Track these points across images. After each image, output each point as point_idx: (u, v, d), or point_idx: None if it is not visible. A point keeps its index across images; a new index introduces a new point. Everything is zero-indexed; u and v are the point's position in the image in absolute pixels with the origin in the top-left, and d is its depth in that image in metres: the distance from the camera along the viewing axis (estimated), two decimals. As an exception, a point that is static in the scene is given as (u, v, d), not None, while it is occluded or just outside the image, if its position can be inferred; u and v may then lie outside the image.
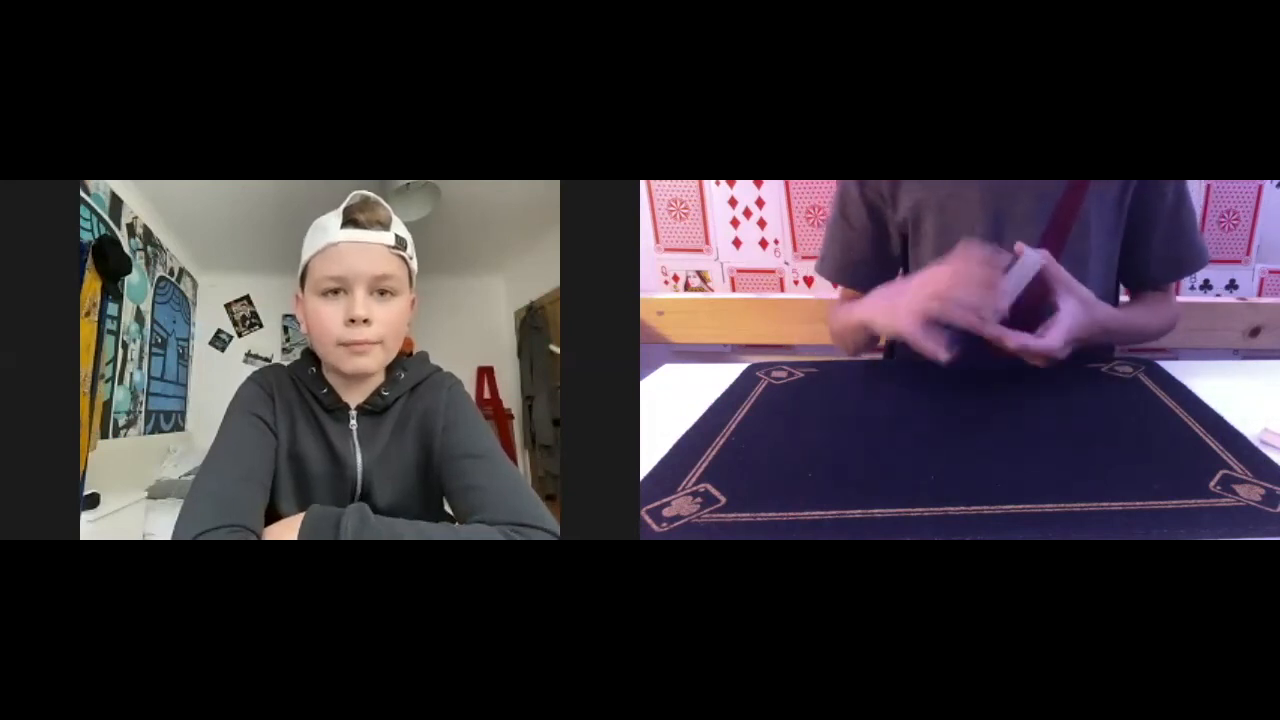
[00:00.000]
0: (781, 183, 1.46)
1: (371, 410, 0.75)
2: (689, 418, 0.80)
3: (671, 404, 0.85)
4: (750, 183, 1.47)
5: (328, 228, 0.72)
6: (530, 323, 2.78)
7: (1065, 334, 0.82)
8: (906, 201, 1.03)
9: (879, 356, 1.13)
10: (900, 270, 1.11)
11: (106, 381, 1.77)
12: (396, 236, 0.73)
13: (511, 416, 2.99)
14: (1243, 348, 1.41)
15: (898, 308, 0.86)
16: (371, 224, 0.72)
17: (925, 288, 0.84)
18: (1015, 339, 0.81)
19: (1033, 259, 0.83)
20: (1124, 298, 1.10)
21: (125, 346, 1.95)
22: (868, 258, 1.09)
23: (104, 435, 1.77)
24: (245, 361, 2.92)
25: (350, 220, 0.71)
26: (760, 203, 1.48)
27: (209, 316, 2.86)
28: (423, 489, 0.76)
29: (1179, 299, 1.34)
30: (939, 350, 0.80)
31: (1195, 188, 1.30)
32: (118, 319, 1.86)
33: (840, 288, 1.18)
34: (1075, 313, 0.84)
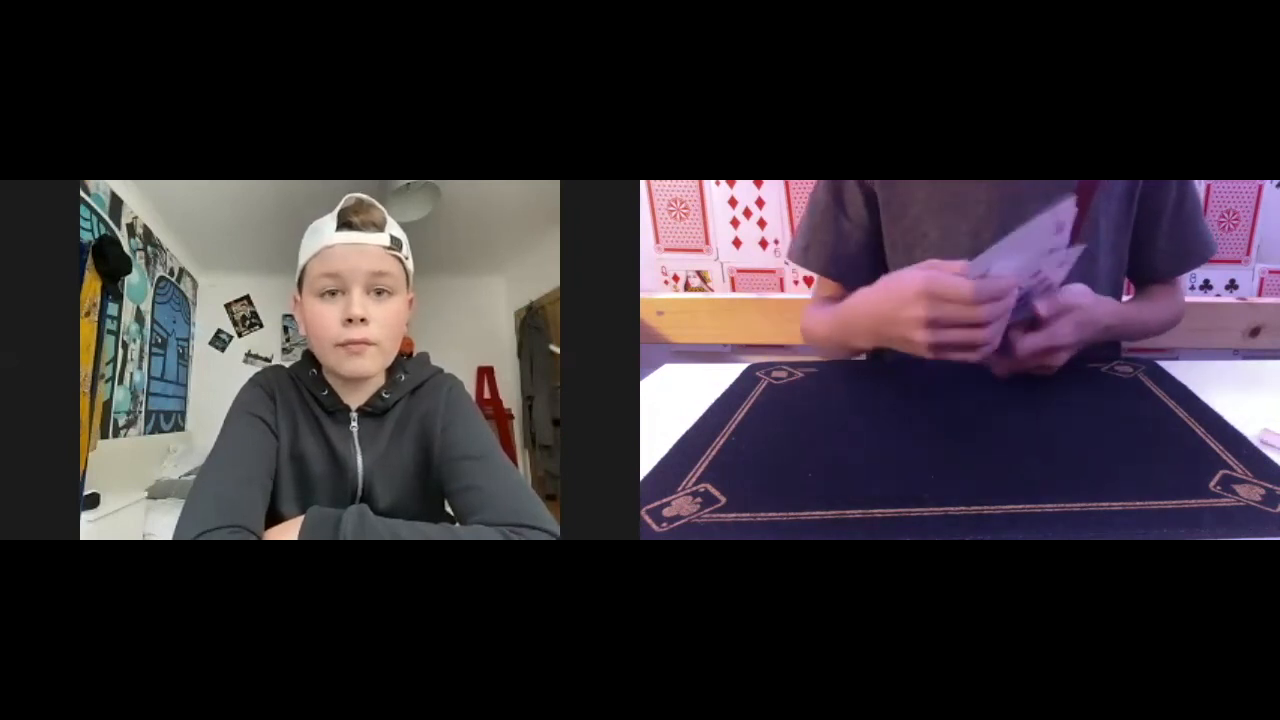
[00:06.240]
0: (781, 183, 1.46)
1: (372, 412, 0.75)
2: (689, 418, 0.80)
3: (671, 404, 0.85)
4: (750, 183, 1.47)
5: (323, 230, 0.72)
6: (530, 323, 2.78)
7: (1065, 356, 0.81)
8: (895, 203, 1.03)
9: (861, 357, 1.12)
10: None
11: (106, 381, 1.77)
12: (392, 237, 0.73)
13: (511, 416, 2.99)
14: (1243, 348, 1.41)
15: (901, 323, 0.79)
16: (366, 225, 0.72)
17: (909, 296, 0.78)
18: (1023, 344, 0.80)
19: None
20: (1125, 296, 1.10)
21: (125, 346, 1.95)
22: (863, 250, 1.07)
23: (104, 435, 1.77)
24: (245, 361, 2.92)
25: (345, 223, 0.72)
26: (760, 203, 1.48)
27: (209, 316, 2.86)
28: (423, 490, 0.76)
29: (1179, 299, 1.35)
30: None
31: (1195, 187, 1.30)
32: (118, 319, 1.86)
33: (815, 286, 1.16)
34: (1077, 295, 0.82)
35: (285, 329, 2.98)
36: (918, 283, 0.77)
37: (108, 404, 1.80)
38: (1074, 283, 0.84)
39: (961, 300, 0.73)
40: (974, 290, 0.72)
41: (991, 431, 0.75)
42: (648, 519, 0.60)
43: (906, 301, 0.78)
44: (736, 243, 1.52)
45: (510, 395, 3.01)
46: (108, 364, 1.77)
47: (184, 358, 2.64)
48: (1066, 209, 0.71)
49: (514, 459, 2.77)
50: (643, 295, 1.52)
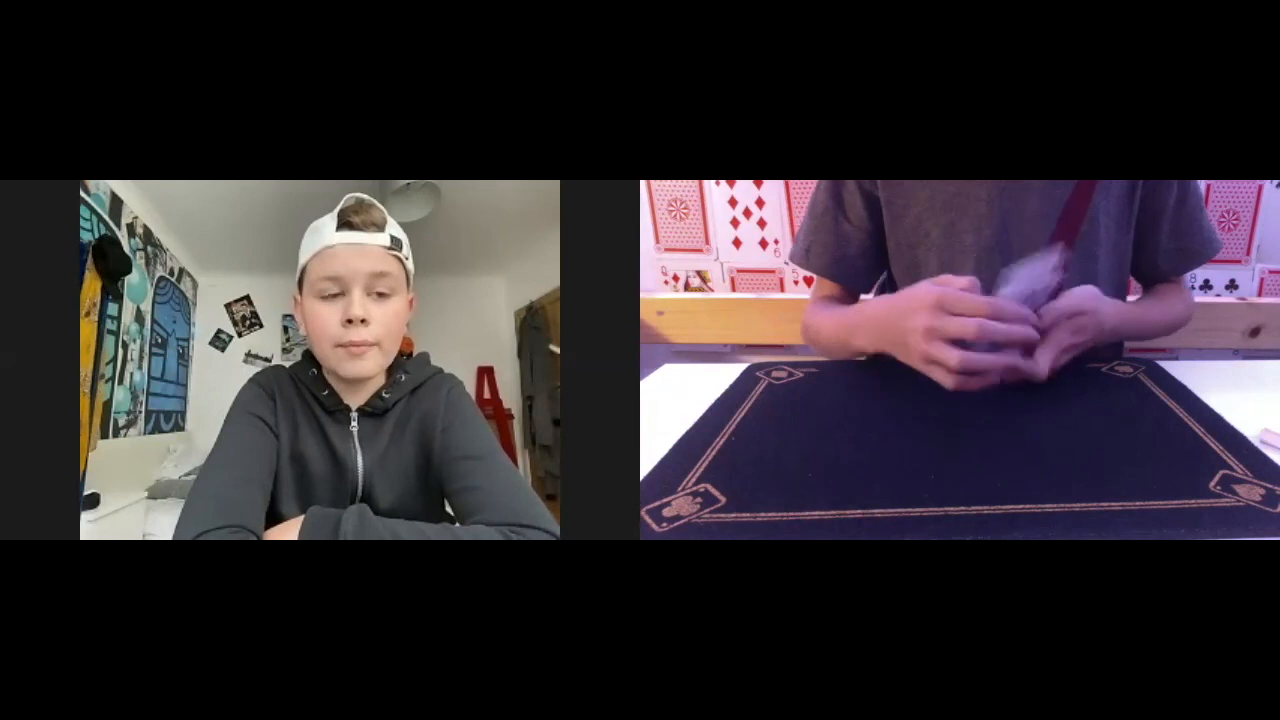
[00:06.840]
0: (781, 183, 1.46)
1: (372, 412, 0.75)
2: (689, 418, 0.80)
3: (671, 404, 0.85)
4: (750, 183, 1.47)
5: (323, 231, 0.72)
6: (530, 323, 2.78)
7: (1051, 360, 0.80)
8: (897, 203, 1.03)
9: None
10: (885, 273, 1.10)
11: (106, 381, 1.77)
12: (392, 238, 0.73)
13: (511, 416, 2.99)
14: (1243, 348, 1.41)
15: (905, 331, 0.80)
16: (366, 225, 0.72)
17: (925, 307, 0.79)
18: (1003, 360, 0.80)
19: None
20: (1131, 297, 1.10)
21: (125, 346, 1.95)
22: (864, 252, 1.08)
23: (104, 435, 1.77)
24: (245, 361, 2.92)
25: (345, 223, 0.72)
26: (760, 203, 1.48)
27: (209, 316, 2.86)
28: (423, 490, 0.76)
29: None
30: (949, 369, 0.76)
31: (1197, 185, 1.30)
32: (118, 319, 1.86)
33: (814, 285, 1.16)
34: (1061, 338, 0.82)
35: (285, 329, 2.98)
36: (931, 296, 0.78)
37: (108, 404, 1.80)
38: (1080, 285, 0.84)
39: (977, 314, 0.75)
40: (989, 306, 0.75)
41: (992, 432, 0.75)
42: (648, 519, 0.60)
43: (915, 311, 0.79)
44: (736, 243, 1.52)
45: (510, 395, 3.01)
46: (108, 364, 1.77)
47: (184, 358, 2.64)
48: (1061, 252, 0.83)
49: (514, 459, 2.77)
50: (643, 295, 1.52)
